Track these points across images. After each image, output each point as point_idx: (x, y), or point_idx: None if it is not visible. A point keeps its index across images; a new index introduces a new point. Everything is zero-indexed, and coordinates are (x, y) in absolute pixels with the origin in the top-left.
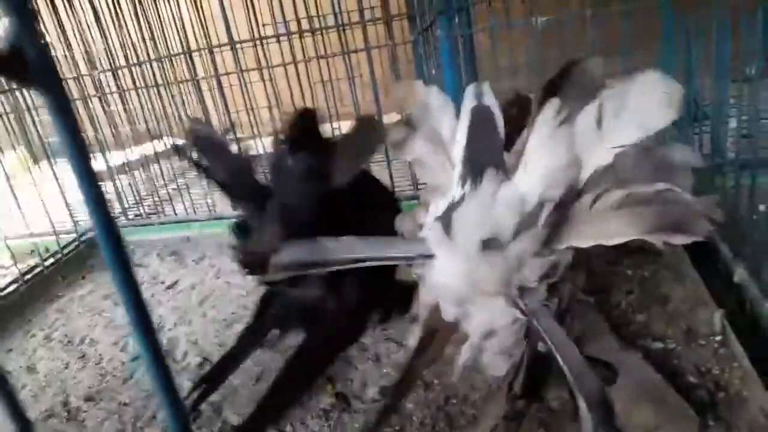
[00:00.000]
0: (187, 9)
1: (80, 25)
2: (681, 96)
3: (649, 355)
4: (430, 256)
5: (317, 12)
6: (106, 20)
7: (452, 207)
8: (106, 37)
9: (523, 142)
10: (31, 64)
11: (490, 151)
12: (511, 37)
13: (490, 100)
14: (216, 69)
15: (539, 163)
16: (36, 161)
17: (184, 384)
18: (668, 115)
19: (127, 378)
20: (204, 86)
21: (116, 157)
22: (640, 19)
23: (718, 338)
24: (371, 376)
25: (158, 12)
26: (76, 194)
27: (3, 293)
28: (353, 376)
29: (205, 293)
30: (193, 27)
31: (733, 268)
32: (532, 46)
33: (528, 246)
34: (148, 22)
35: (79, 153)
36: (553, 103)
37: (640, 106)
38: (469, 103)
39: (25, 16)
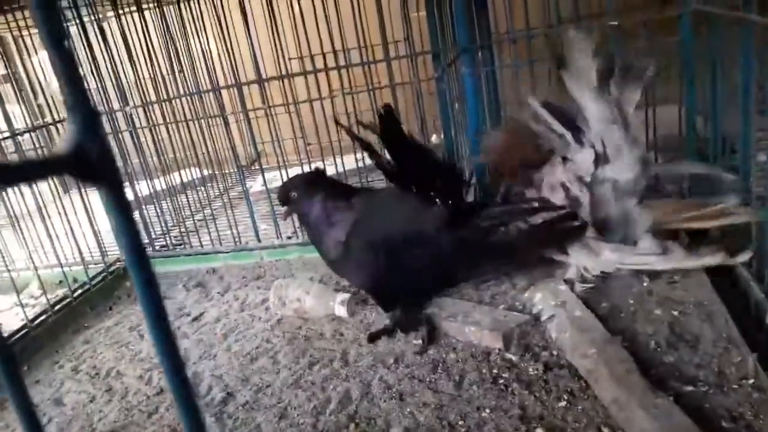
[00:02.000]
0: (216, 46)
1: (113, 60)
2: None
3: (680, 399)
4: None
5: (343, 46)
6: (138, 57)
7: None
8: (137, 73)
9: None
10: (94, 165)
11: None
12: (534, 71)
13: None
14: (244, 105)
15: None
16: (66, 190)
17: (207, 420)
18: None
19: (152, 413)
20: (231, 119)
21: (143, 187)
22: (662, 54)
23: (751, 382)
24: (395, 415)
25: (189, 48)
26: (104, 224)
27: (33, 324)
28: (376, 415)
29: (229, 326)
30: (222, 63)
31: (764, 309)
32: (553, 78)
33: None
34: (179, 59)
35: (137, 250)
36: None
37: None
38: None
39: (90, 118)
